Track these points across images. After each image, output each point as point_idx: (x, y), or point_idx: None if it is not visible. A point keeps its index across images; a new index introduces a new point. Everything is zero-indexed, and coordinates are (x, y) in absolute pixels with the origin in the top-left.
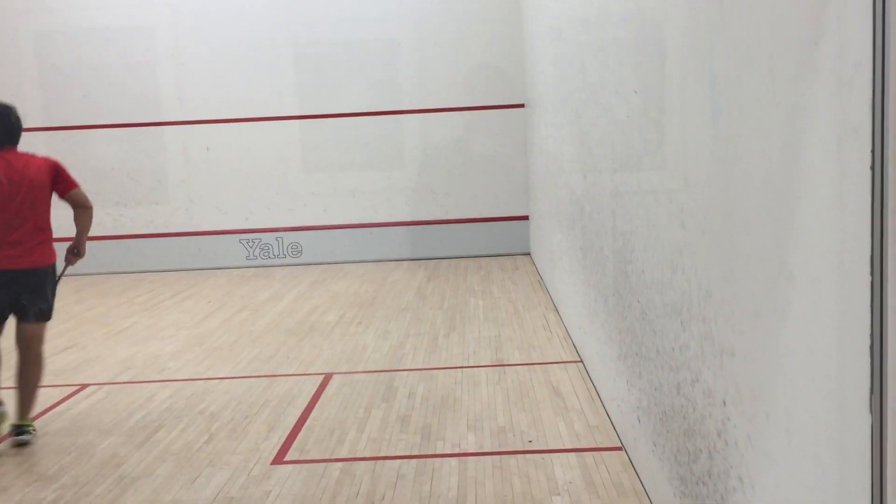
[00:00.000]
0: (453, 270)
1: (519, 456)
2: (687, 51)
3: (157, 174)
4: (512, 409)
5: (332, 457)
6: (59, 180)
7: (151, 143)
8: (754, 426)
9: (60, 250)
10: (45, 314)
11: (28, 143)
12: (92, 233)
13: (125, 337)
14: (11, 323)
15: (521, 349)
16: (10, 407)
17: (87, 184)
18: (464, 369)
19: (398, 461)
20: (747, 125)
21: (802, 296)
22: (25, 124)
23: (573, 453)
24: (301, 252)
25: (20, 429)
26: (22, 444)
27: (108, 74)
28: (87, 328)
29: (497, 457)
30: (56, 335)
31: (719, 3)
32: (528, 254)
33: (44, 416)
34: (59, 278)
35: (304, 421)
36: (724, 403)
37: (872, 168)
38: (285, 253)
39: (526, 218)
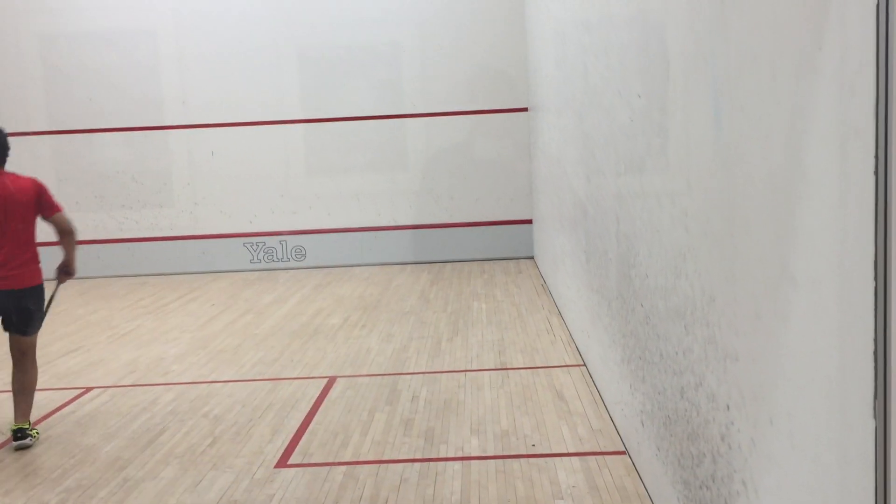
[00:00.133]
0: (457, 274)
1: (522, 460)
2: (689, 54)
3: (161, 177)
4: (515, 412)
5: (336, 460)
6: (44, 203)
7: (156, 147)
8: (757, 430)
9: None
10: (35, 329)
11: (33, 148)
12: (97, 236)
13: (129, 340)
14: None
15: (525, 353)
16: (8, 412)
17: (91, 187)
18: (467, 373)
19: (401, 465)
20: (749, 128)
21: (804, 298)
22: (29, 128)
23: (576, 457)
24: (305, 255)
25: (21, 432)
26: (23, 448)
27: (112, 78)
28: (92, 331)
29: (500, 460)
30: (60, 338)
31: (721, 6)
32: (532, 257)
33: (48, 419)
34: (52, 298)
35: (308, 424)
36: (728, 407)
37: (876, 171)
38: (289, 256)
39: (529, 221)
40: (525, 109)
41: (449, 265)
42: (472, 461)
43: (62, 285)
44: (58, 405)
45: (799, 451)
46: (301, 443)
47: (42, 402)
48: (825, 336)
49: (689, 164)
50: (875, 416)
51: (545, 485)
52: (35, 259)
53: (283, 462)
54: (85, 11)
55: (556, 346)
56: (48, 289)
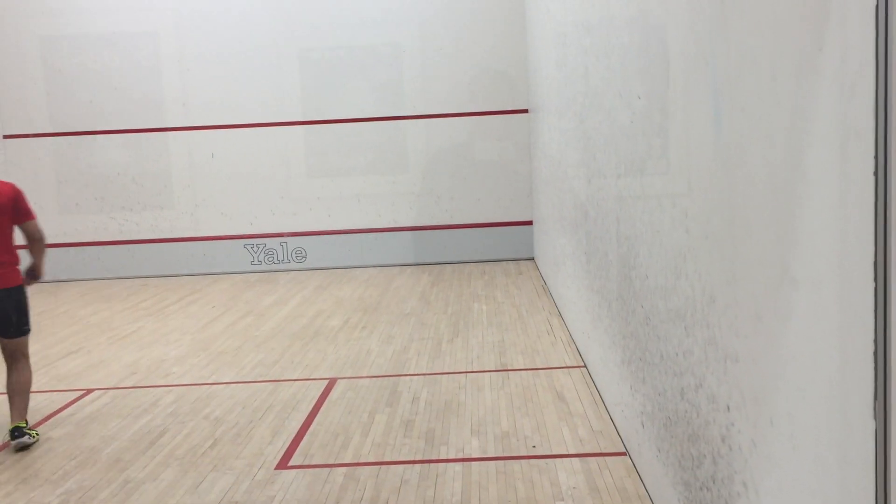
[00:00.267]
0: (457, 275)
1: (523, 461)
2: (689, 54)
3: (162, 179)
4: (516, 413)
5: (336, 462)
6: (20, 208)
7: (156, 149)
8: (758, 431)
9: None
10: (25, 328)
11: (34, 150)
12: (97, 238)
13: (130, 342)
14: None
15: (525, 354)
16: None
17: (92, 189)
18: (468, 374)
19: (402, 466)
20: (750, 129)
21: (805, 299)
22: (31, 130)
23: (577, 458)
24: (305, 257)
25: (18, 431)
26: (23, 448)
27: (113, 79)
28: (92, 333)
29: (501, 462)
30: (61, 340)
31: (721, 7)
32: (532, 259)
33: (48, 421)
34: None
35: (309, 426)
36: (728, 408)
37: (876, 173)
38: (290, 258)
39: (530, 223)
40: (525, 111)
41: (449, 266)
42: (473, 462)
43: (28, 288)
44: (58, 407)
45: (799, 452)
46: (301, 444)
47: (43, 403)
48: (825, 337)
49: (690, 165)
50: (875, 417)
51: (546, 486)
52: (15, 262)
53: (283, 463)
54: (86, 13)
55: (556, 347)
56: None
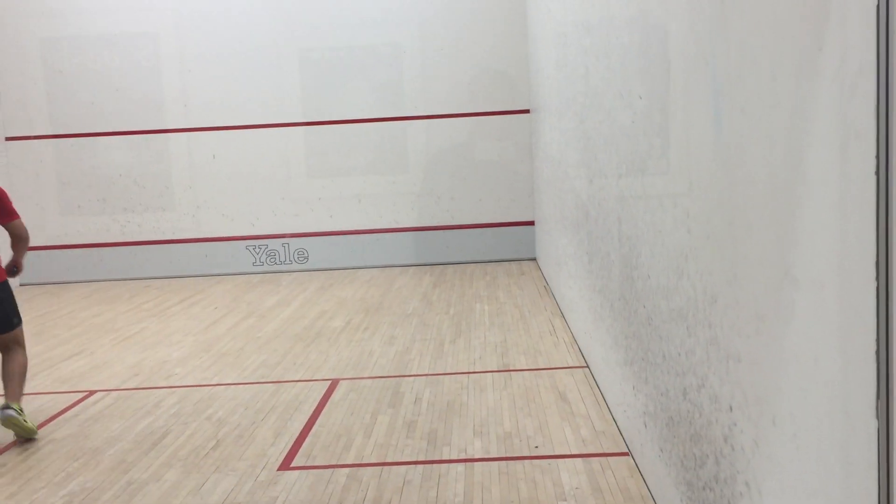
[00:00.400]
0: (459, 276)
1: (525, 461)
2: (689, 54)
3: (163, 181)
4: (518, 414)
5: (339, 462)
6: (5, 208)
7: (157, 150)
8: (760, 431)
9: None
10: (15, 321)
11: (36, 152)
12: (99, 239)
13: (133, 343)
14: None
15: (528, 354)
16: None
17: (94, 191)
18: (470, 375)
19: (404, 467)
20: (750, 129)
21: (807, 300)
22: (32, 132)
23: (580, 458)
24: (307, 258)
25: (7, 406)
26: (9, 419)
27: (114, 80)
28: (95, 334)
29: (503, 462)
30: (63, 342)
31: (721, 7)
32: (534, 259)
33: (51, 423)
34: None
35: (311, 427)
36: (731, 408)
37: (877, 172)
38: (292, 259)
39: (531, 223)
40: (526, 111)
41: (451, 267)
42: (476, 463)
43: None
44: (61, 408)
45: (802, 452)
46: (304, 445)
47: (45, 405)
48: (827, 337)
49: (691, 165)
50: (878, 417)
51: (548, 486)
52: None
53: (286, 465)
54: (86, 14)
55: (558, 347)
56: None
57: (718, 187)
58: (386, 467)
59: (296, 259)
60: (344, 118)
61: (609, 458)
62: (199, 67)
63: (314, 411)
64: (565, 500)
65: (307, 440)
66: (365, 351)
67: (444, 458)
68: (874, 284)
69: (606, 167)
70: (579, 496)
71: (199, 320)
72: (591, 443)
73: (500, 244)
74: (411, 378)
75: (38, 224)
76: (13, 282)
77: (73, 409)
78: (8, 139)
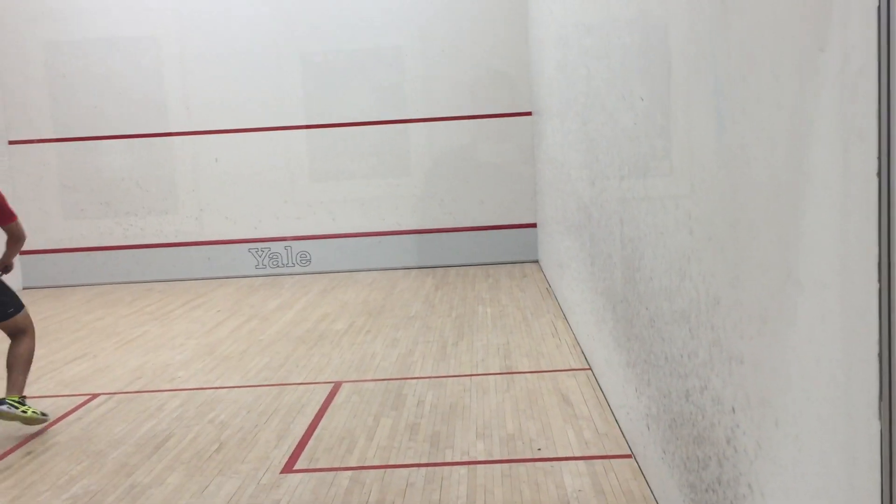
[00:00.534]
0: (461, 278)
1: (528, 464)
2: (690, 55)
3: (166, 184)
4: (521, 416)
5: (342, 465)
6: (2, 211)
7: (160, 153)
8: (763, 433)
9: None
10: (11, 312)
11: (39, 155)
12: (102, 242)
13: (135, 346)
14: None
15: (530, 357)
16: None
17: (97, 194)
18: (472, 377)
19: (407, 469)
20: (751, 130)
21: (809, 301)
22: (35, 136)
23: (582, 461)
24: (310, 261)
25: (1, 401)
26: (3, 415)
27: (116, 84)
28: (98, 338)
29: (506, 465)
30: (66, 345)
31: (722, 8)
32: (537, 261)
33: (54, 426)
34: None
35: (314, 429)
36: (734, 410)
37: (879, 173)
38: (294, 262)
39: (534, 225)
40: (528, 113)
41: (453, 269)
42: (478, 465)
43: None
44: (64, 412)
45: (805, 454)
46: (307, 448)
47: (48, 408)
48: (830, 338)
49: (693, 167)
50: (880, 418)
51: (551, 489)
52: None
53: (288, 467)
54: (88, 17)
55: (561, 349)
56: None
57: (720, 189)
58: (389, 470)
59: (298, 262)
60: (345, 121)
61: (612, 460)
62: (200, 70)
63: (317, 414)
64: (568, 502)
65: (310, 443)
66: (367, 353)
67: (446, 460)
68: (876, 286)
69: (608, 169)
70: (582, 498)
71: (201, 323)
72: (594, 445)
73: (502, 246)
74: (414, 381)
75: (41, 227)
76: (14, 283)
77: (76, 413)
78: (11, 143)
